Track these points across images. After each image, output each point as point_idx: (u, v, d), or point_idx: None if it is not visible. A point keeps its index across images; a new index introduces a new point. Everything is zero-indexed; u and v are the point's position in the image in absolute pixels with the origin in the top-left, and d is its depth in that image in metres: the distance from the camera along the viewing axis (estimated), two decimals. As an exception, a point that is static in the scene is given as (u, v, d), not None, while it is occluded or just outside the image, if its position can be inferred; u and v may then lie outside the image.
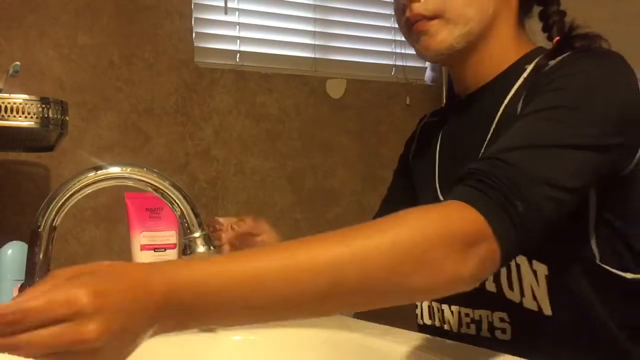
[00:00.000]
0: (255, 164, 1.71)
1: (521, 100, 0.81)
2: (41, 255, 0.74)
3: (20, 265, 0.79)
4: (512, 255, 0.67)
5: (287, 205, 1.74)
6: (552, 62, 0.81)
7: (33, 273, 0.75)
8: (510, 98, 0.84)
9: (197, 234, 0.73)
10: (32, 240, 0.74)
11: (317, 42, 1.85)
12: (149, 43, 1.58)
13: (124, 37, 1.55)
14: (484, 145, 0.85)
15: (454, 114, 0.96)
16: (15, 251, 0.89)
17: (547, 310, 0.78)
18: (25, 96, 1.13)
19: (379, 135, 1.89)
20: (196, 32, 1.67)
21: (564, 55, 0.81)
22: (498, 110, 0.85)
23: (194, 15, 1.67)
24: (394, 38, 1.94)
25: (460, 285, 0.63)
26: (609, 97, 0.75)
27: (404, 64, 1.94)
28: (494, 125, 0.85)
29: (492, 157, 0.70)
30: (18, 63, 1.19)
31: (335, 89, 1.84)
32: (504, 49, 0.89)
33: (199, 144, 1.64)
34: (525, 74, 0.85)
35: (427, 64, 1.97)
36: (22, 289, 0.75)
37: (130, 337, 0.50)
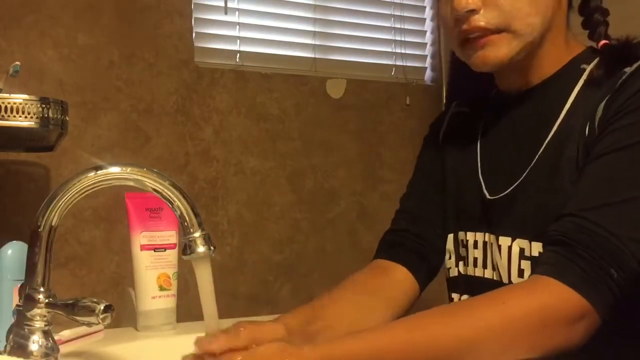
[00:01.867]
0: (255, 164, 1.71)
1: (601, 108, 0.78)
2: (41, 255, 0.74)
3: (20, 265, 0.79)
4: (610, 312, 0.70)
5: (287, 205, 1.74)
6: (628, 70, 0.78)
7: (33, 273, 0.75)
8: (573, 101, 0.82)
9: (197, 234, 0.72)
10: (32, 240, 0.74)
11: (317, 42, 1.85)
12: (149, 43, 1.58)
13: (124, 37, 1.55)
14: (542, 148, 0.83)
15: (498, 111, 0.93)
16: (15, 251, 0.89)
17: None
18: (25, 96, 1.13)
19: (379, 135, 1.88)
20: (196, 32, 1.67)
21: None
22: (558, 113, 0.83)
23: (194, 15, 1.66)
24: (394, 38, 1.94)
25: (566, 352, 0.69)
26: None
27: (404, 64, 1.94)
28: (555, 128, 0.83)
29: (577, 215, 0.70)
30: (18, 63, 1.19)
31: (335, 89, 1.84)
32: (557, 50, 0.87)
33: (199, 144, 1.64)
34: (585, 76, 0.83)
35: (427, 64, 1.97)
36: (22, 289, 0.75)
37: None
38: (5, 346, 0.75)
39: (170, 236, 1.04)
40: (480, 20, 0.81)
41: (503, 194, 0.87)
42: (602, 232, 0.69)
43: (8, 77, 1.18)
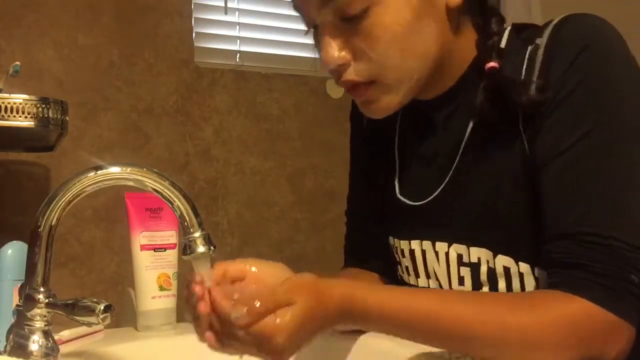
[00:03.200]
0: (255, 164, 1.71)
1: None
2: (41, 255, 0.74)
3: (20, 265, 0.79)
4: None
5: (287, 205, 1.74)
6: (537, 47, 0.74)
7: (33, 273, 0.75)
8: (482, 102, 0.77)
9: (197, 234, 0.73)
10: (32, 240, 0.74)
11: (317, 42, 1.85)
12: (149, 43, 1.58)
13: (124, 37, 1.55)
14: (463, 145, 0.80)
15: (412, 116, 0.89)
16: (15, 251, 0.89)
17: None
18: (25, 96, 1.13)
19: (379, 135, 1.88)
20: (196, 32, 1.67)
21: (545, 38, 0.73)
22: (473, 107, 0.78)
23: (194, 15, 1.66)
24: (394, 38, 1.94)
25: None
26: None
27: (404, 64, 1.94)
28: (469, 127, 0.80)
29: (571, 233, 0.68)
30: (18, 63, 1.19)
31: (335, 89, 1.84)
32: (460, 58, 0.81)
33: (199, 144, 1.64)
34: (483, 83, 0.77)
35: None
36: (22, 289, 0.75)
37: (309, 334, 0.67)
38: (5, 346, 0.75)
39: (170, 236, 1.04)
40: (351, 74, 0.76)
41: (426, 201, 0.84)
42: (605, 241, 0.66)
43: (8, 77, 1.18)
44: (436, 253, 0.83)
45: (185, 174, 1.61)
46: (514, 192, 0.75)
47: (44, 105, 1.14)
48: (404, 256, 0.88)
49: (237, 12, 1.74)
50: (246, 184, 1.69)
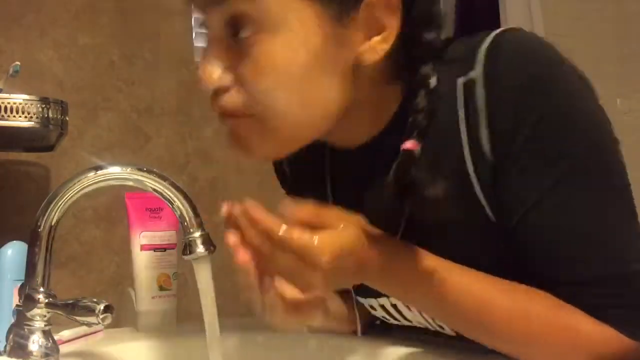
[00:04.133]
0: (255, 164, 1.71)
1: (482, 147, 0.65)
2: (41, 255, 0.74)
3: (20, 265, 0.79)
4: None
5: (287, 205, 1.74)
6: (473, 73, 0.64)
7: (33, 273, 0.74)
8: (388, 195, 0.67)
9: (197, 234, 0.73)
10: (32, 240, 0.74)
11: (317, 42, 1.85)
12: (149, 43, 1.58)
13: (124, 37, 1.55)
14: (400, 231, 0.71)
15: (340, 166, 0.79)
16: (15, 251, 0.89)
17: None
18: (25, 96, 1.13)
19: (379, 135, 1.88)
20: (196, 32, 1.67)
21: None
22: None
23: (194, 15, 1.66)
24: (394, 38, 1.94)
25: None
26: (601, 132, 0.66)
27: (404, 64, 1.94)
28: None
29: (578, 284, 0.65)
30: (18, 63, 1.19)
31: (335, 89, 1.84)
32: (381, 106, 0.70)
33: (199, 144, 1.64)
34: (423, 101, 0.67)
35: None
36: (22, 289, 0.75)
37: (345, 273, 0.62)
38: (5, 346, 0.75)
39: (170, 236, 1.03)
40: (229, 102, 0.66)
41: None
42: (603, 279, 0.64)
43: (8, 77, 1.18)
44: (394, 305, 0.78)
45: (185, 174, 1.61)
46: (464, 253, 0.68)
47: (44, 105, 1.14)
48: (375, 310, 0.82)
49: (237, 12, 1.74)
50: (246, 184, 1.69)
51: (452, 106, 0.66)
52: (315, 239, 0.59)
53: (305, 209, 0.62)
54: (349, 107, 0.67)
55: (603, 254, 0.65)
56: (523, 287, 0.67)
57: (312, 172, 0.82)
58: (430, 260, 0.65)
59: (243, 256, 0.65)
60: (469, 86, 0.65)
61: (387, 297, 0.77)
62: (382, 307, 0.80)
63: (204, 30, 0.71)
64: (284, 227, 0.62)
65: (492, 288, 0.66)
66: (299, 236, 0.60)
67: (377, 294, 0.78)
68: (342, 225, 0.61)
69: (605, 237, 0.65)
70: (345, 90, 0.66)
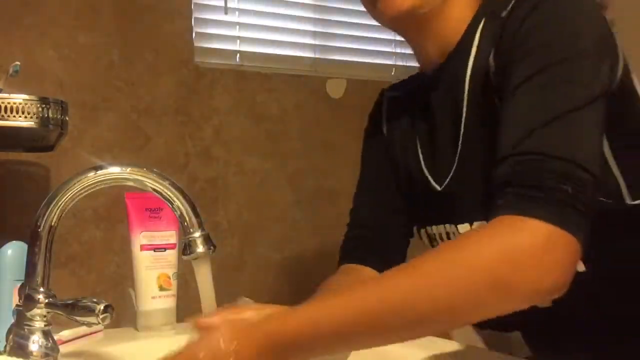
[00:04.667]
0: (255, 164, 1.71)
1: (491, 57, 0.78)
2: (41, 255, 0.74)
3: (20, 265, 0.79)
4: (586, 235, 0.64)
5: (287, 205, 1.74)
6: (504, 12, 0.78)
7: (33, 273, 0.75)
8: (474, 58, 0.81)
9: (197, 234, 0.73)
10: (32, 240, 0.74)
11: (317, 42, 1.85)
12: (149, 43, 1.58)
13: (124, 37, 1.55)
14: (463, 115, 0.81)
15: (424, 90, 0.91)
16: (15, 251, 0.89)
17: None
18: (25, 96, 1.13)
19: (379, 135, 1.88)
20: (196, 32, 1.67)
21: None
22: (465, 77, 0.82)
23: (194, 15, 1.66)
24: (394, 38, 1.94)
25: (547, 297, 0.63)
26: (590, 38, 0.73)
27: (404, 64, 1.94)
28: (466, 93, 0.81)
29: (511, 154, 0.68)
30: (18, 63, 1.19)
31: (335, 89, 1.84)
32: (461, 9, 0.85)
33: (199, 144, 1.64)
34: (480, 27, 0.82)
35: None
36: (22, 289, 0.75)
37: None
38: (5, 346, 0.75)
39: (170, 236, 1.04)
40: None
41: (446, 183, 0.85)
42: (541, 157, 0.66)
43: (8, 77, 1.18)
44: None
45: (185, 174, 1.61)
46: None
47: (44, 105, 1.14)
48: (437, 242, 0.89)
49: (237, 12, 1.74)
50: (246, 184, 1.69)
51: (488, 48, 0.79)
52: None
53: None
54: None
55: (549, 138, 0.67)
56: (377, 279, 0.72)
57: (406, 122, 0.94)
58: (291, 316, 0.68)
59: None
60: (502, 21, 0.78)
61: (444, 224, 0.85)
62: (447, 235, 0.86)
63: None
64: None
65: (359, 296, 0.67)
66: None
67: (437, 222, 0.87)
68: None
69: (551, 123, 0.67)
70: None
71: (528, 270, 0.61)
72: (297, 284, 1.72)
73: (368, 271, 0.96)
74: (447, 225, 0.87)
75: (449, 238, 0.87)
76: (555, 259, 0.62)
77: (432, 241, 0.93)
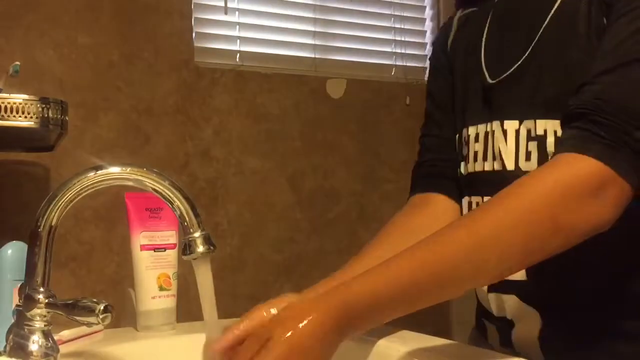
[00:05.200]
0: (255, 164, 1.71)
1: None
2: (41, 255, 0.74)
3: (20, 265, 0.79)
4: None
5: (287, 205, 1.74)
6: None
7: (33, 273, 0.74)
8: None
9: (197, 234, 0.72)
10: (32, 240, 0.74)
11: (317, 42, 1.85)
12: (149, 43, 1.58)
13: (124, 37, 1.55)
14: (545, 24, 0.80)
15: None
16: (15, 251, 0.89)
17: None
18: (25, 96, 1.13)
19: (379, 135, 1.88)
20: (196, 32, 1.67)
21: None
22: None
23: (194, 15, 1.67)
24: (394, 38, 1.94)
25: (599, 229, 0.67)
26: None
27: (404, 64, 1.94)
28: (556, 6, 0.80)
29: (592, 82, 0.68)
30: (18, 63, 1.19)
31: (335, 89, 1.84)
32: None
33: (199, 144, 1.64)
34: None
35: (428, 64, 1.97)
36: (22, 289, 0.75)
37: (322, 349, 0.64)
38: (5, 346, 0.75)
39: (170, 236, 1.03)
40: None
41: (504, 76, 0.84)
42: (617, 94, 0.67)
43: (8, 77, 1.18)
44: (504, 132, 0.83)
45: (185, 174, 1.61)
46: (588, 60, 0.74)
47: (44, 105, 1.14)
48: (477, 141, 0.88)
49: (237, 12, 1.74)
50: (246, 184, 1.69)
51: None
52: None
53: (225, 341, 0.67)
54: None
55: (628, 74, 0.67)
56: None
57: (475, 23, 0.92)
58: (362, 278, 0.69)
59: None
60: None
61: (491, 121, 0.84)
62: (486, 135, 0.86)
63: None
64: None
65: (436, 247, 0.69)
66: None
67: (482, 120, 0.86)
68: (270, 341, 0.63)
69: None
70: None
71: (584, 209, 0.66)
72: (297, 284, 1.72)
73: (439, 201, 0.94)
74: (490, 124, 0.85)
75: (485, 138, 0.87)
76: (609, 201, 0.66)
77: (463, 146, 0.91)
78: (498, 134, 0.84)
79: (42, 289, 0.74)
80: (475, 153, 0.88)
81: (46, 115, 1.14)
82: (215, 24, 1.71)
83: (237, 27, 1.74)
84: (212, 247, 0.73)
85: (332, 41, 1.88)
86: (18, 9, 1.45)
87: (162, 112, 1.59)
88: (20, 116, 1.11)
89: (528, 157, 0.80)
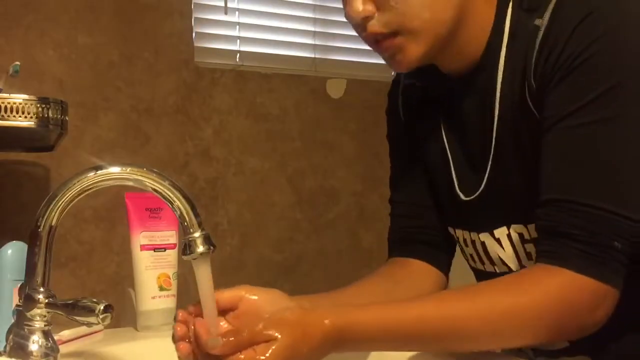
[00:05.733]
0: (255, 164, 1.71)
1: (531, 72, 0.74)
2: (41, 255, 0.74)
3: (20, 265, 0.79)
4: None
5: (287, 205, 1.74)
6: (541, 22, 0.73)
7: (33, 273, 0.74)
8: (504, 73, 0.78)
9: (197, 234, 0.72)
10: (32, 240, 0.74)
11: (317, 42, 1.85)
12: (149, 43, 1.58)
13: (124, 37, 1.55)
14: (494, 131, 0.79)
15: (448, 94, 0.87)
16: (15, 251, 0.89)
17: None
18: (25, 96, 1.13)
19: (379, 135, 1.88)
20: (196, 32, 1.67)
21: (558, 12, 0.72)
22: (495, 90, 0.79)
23: (194, 15, 1.67)
24: (394, 38, 1.94)
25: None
26: None
27: (404, 64, 1.94)
28: (497, 110, 0.79)
29: (561, 200, 0.69)
30: (18, 63, 1.19)
31: (335, 89, 1.84)
32: (482, 19, 0.80)
33: (199, 144, 1.64)
34: (505, 39, 0.78)
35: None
36: (22, 289, 0.75)
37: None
38: (5, 346, 0.75)
39: (170, 236, 1.03)
40: (375, 25, 0.77)
41: (477, 195, 0.83)
42: (590, 209, 0.68)
43: (8, 77, 1.18)
44: (497, 240, 0.84)
45: (185, 174, 1.61)
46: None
47: (44, 105, 1.14)
48: (466, 245, 0.89)
49: (237, 12, 1.74)
50: (246, 184, 1.69)
51: (532, 37, 0.76)
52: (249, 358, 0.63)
53: (229, 332, 0.67)
54: (461, 20, 0.78)
55: (602, 187, 0.69)
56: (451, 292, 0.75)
57: (427, 116, 0.91)
58: (375, 309, 0.71)
59: (183, 347, 0.70)
60: (535, 30, 0.74)
61: (478, 232, 0.85)
62: (473, 242, 0.87)
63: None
64: (211, 342, 0.65)
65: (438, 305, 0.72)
66: (227, 356, 0.64)
67: (468, 228, 0.87)
68: (274, 334, 0.65)
69: (603, 171, 0.69)
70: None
71: (580, 321, 0.70)
72: (297, 284, 1.72)
73: (419, 265, 0.94)
74: (482, 235, 0.86)
75: (473, 244, 0.88)
76: (604, 312, 0.70)
77: (459, 243, 0.92)
78: (491, 242, 0.85)
79: (42, 289, 0.74)
80: (471, 255, 0.89)
81: (46, 115, 1.14)
82: (215, 24, 1.71)
83: (237, 27, 1.74)
84: (212, 247, 0.73)
85: (332, 41, 1.88)
86: (18, 9, 1.45)
87: (162, 112, 1.59)
88: (20, 116, 1.11)
89: (529, 257, 0.81)
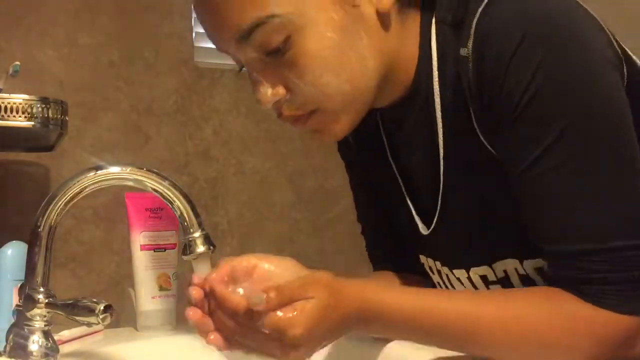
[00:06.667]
0: (255, 164, 1.71)
1: (468, 101, 0.68)
2: (41, 255, 0.74)
3: (20, 265, 0.79)
4: None
5: (287, 205, 1.74)
6: (467, 53, 0.67)
7: (33, 273, 0.75)
8: (442, 107, 0.72)
9: (197, 234, 0.73)
10: (32, 240, 0.75)
11: (317, 42, 1.85)
12: (149, 43, 1.58)
13: (124, 37, 1.55)
14: (441, 163, 0.74)
15: (391, 126, 0.82)
16: (15, 251, 0.89)
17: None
18: (25, 96, 1.13)
19: (379, 135, 1.88)
20: (196, 32, 1.67)
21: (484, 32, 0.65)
22: (435, 124, 0.73)
23: (194, 15, 1.66)
24: (394, 38, 1.94)
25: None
26: (605, 99, 0.65)
27: (404, 64, 1.94)
28: (441, 143, 0.73)
29: (571, 254, 0.65)
30: (18, 63, 1.19)
31: (335, 89, 1.84)
32: (407, 46, 0.73)
33: (199, 144, 1.64)
34: (435, 64, 0.71)
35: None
36: (22, 289, 0.75)
37: (326, 332, 0.64)
38: (5, 346, 0.75)
39: (170, 236, 1.04)
40: (289, 108, 0.72)
41: (431, 229, 0.79)
42: (600, 253, 0.64)
43: (8, 77, 1.18)
44: (458, 279, 0.80)
45: (185, 174, 1.61)
46: (504, 195, 0.70)
47: (44, 105, 1.14)
48: (432, 272, 0.85)
49: (237, 12, 1.74)
50: (246, 184, 1.69)
51: (449, 88, 0.71)
52: (284, 316, 0.62)
53: (270, 289, 0.64)
54: (392, 56, 0.72)
55: (586, 225, 0.65)
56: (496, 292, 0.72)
57: (372, 139, 0.86)
58: (403, 294, 0.69)
59: (194, 312, 0.67)
60: (463, 66, 0.68)
61: (441, 264, 0.81)
62: (439, 272, 0.83)
63: (235, 62, 0.76)
64: (255, 299, 0.63)
65: (475, 299, 0.70)
66: (269, 319, 0.62)
67: (431, 256, 0.83)
68: (309, 294, 0.64)
69: (598, 210, 0.65)
70: (379, 42, 0.70)
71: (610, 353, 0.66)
72: (297, 284, 1.72)
73: (405, 276, 0.91)
74: (444, 268, 0.82)
75: (439, 273, 0.83)
76: (629, 345, 0.66)
77: (424, 267, 0.87)
78: (452, 278, 0.81)
79: (42, 289, 0.74)
80: (438, 283, 0.85)
81: (46, 115, 1.14)
82: (215, 24, 1.71)
83: (237, 27, 1.74)
84: (212, 247, 0.73)
85: (332, 41, 1.87)
86: (18, 9, 1.45)
87: (162, 112, 1.59)
88: (20, 116, 1.11)
89: None
